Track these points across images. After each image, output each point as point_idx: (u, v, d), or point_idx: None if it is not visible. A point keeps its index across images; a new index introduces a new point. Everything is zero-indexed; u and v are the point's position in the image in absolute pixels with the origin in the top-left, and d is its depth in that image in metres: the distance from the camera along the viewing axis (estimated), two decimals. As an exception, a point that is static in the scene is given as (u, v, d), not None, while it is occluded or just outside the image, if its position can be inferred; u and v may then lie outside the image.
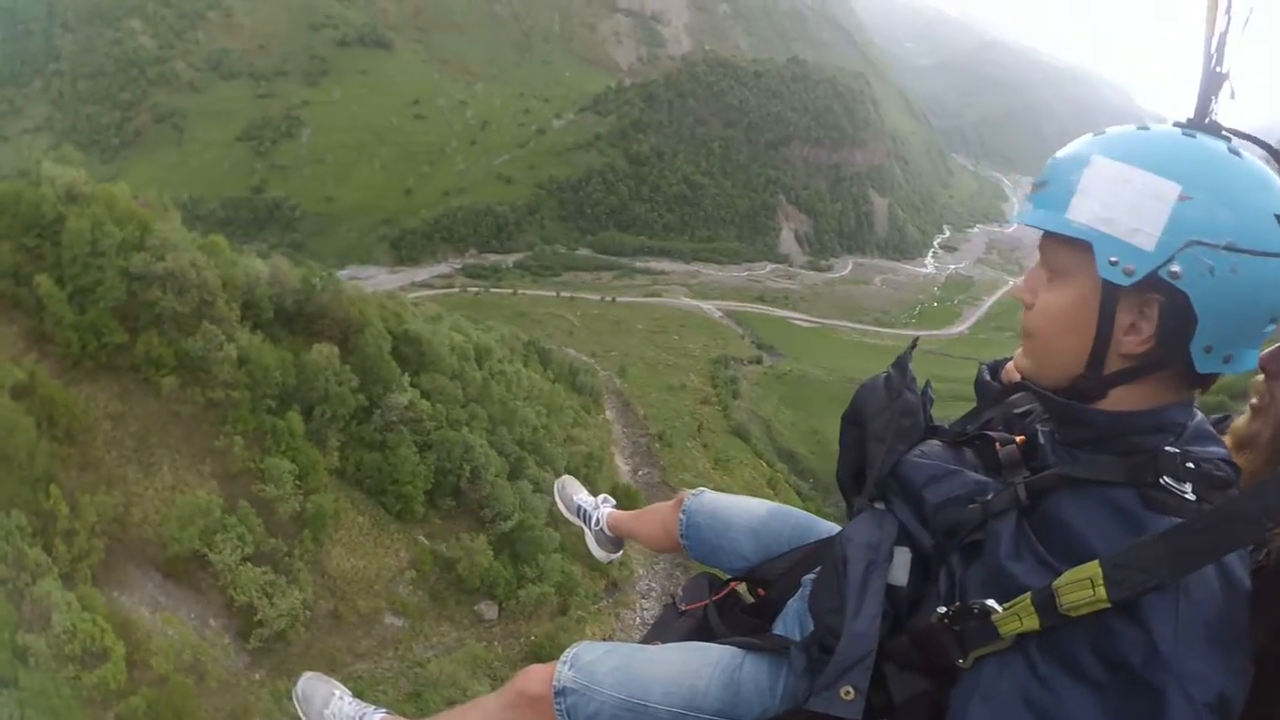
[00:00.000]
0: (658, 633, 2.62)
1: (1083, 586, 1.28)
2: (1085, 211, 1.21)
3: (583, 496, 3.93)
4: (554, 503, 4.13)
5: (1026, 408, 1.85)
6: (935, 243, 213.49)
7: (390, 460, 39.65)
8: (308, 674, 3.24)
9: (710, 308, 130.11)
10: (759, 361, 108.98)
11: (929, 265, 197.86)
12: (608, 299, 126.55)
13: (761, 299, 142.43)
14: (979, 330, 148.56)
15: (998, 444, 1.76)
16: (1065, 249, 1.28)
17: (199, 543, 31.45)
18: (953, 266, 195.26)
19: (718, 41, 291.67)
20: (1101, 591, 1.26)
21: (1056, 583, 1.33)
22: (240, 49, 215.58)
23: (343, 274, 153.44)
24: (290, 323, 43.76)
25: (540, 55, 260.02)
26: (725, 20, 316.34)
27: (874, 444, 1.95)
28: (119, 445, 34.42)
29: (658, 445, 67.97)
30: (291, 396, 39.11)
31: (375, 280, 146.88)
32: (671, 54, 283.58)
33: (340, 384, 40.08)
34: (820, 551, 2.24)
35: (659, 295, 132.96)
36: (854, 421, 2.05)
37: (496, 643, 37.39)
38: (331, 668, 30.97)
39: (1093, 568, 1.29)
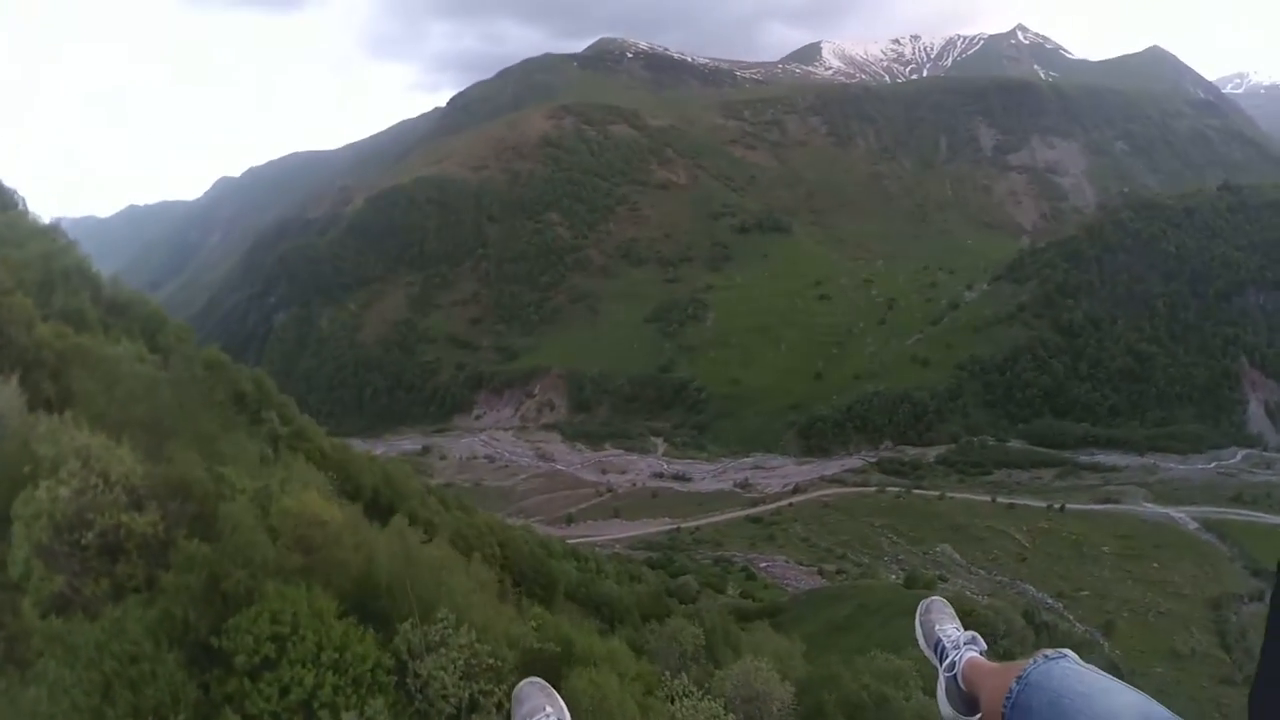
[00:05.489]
0: None
1: None
2: None
3: (948, 629, 3.23)
4: (914, 628, 3.41)
5: None
6: None
7: None
8: (531, 679, 3.30)
9: (1182, 516, 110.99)
10: (1262, 598, 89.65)
11: None
12: (1055, 506, 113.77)
13: (1239, 499, 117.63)
14: None
15: None
16: None
17: None
18: None
19: (1122, 184, 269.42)
20: None
21: None
22: (647, 238, 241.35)
23: (747, 460, 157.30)
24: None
25: (937, 225, 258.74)
26: (1124, 159, 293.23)
27: None
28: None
29: (1196, 780, 55.07)
30: None
31: (783, 471, 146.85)
32: (1076, 205, 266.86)
33: None
34: None
35: (1116, 501, 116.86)
36: None
37: None
38: None
39: None
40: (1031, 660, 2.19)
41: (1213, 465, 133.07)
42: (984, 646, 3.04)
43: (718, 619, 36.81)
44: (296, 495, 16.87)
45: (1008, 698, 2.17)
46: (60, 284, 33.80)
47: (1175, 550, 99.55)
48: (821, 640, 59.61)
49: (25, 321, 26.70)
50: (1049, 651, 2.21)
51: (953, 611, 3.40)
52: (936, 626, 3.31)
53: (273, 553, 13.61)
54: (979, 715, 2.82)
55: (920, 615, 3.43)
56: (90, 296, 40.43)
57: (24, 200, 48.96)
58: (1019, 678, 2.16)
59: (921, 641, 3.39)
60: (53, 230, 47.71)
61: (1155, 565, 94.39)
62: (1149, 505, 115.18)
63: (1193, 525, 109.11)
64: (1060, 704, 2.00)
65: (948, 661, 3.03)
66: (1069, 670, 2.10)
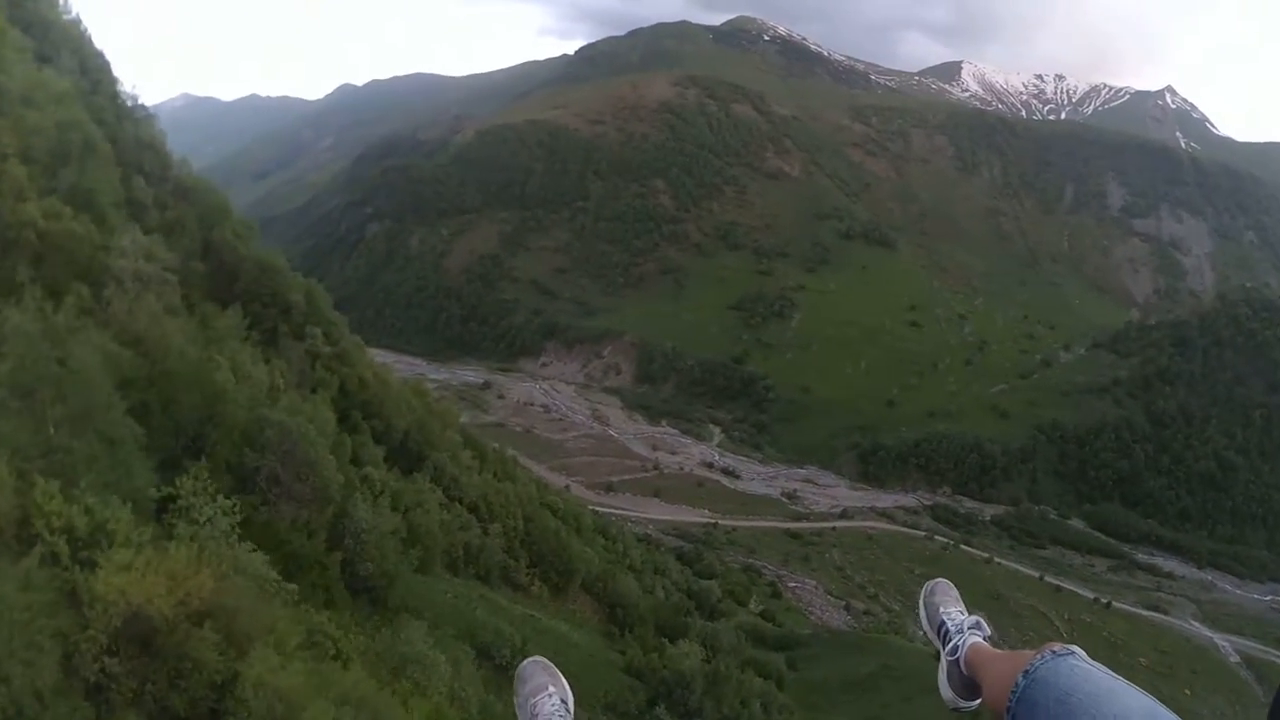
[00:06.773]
0: None
1: None
2: None
3: (952, 611, 3.17)
4: (918, 609, 3.37)
5: None
6: None
7: None
8: (534, 658, 3.29)
9: (1226, 644, 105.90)
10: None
11: None
12: (1102, 600, 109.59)
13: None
14: None
15: None
16: None
17: None
18: None
19: (1243, 276, 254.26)
20: None
21: None
22: (748, 224, 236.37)
23: (800, 471, 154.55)
24: None
25: (1047, 275, 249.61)
26: (1252, 251, 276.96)
27: None
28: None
29: None
30: None
31: (834, 492, 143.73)
32: (1193, 287, 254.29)
33: None
34: None
35: (1164, 610, 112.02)
36: None
37: None
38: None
39: None
40: (1039, 654, 2.15)
41: (1269, 598, 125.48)
42: (988, 632, 3.00)
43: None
44: (138, 562, 10.01)
45: (1013, 691, 2.11)
46: (77, 157, 27.02)
47: (1211, 679, 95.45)
48: (833, 695, 57.65)
49: (14, 193, 22.48)
50: (1056, 647, 2.17)
51: (957, 594, 3.35)
52: (941, 609, 3.24)
53: (56, 670, 8.39)
54: (979, 700, 2.74)
55: (924, 596, 3.37)
56: (157, 176, 37.67)
57: (109, 66, 46.28)
58: (1025, 672, 2.11)
59: (924, 623, 3.32)
60: (128, 103, 44.23)
61: (1187, 692, 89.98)
62: (1195, 624, 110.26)
63: (1234, 657, 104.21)
64: (1068, 703, 1.96)
65: (950, 645, 2.98)
66: (1077, 668, 2.06)
